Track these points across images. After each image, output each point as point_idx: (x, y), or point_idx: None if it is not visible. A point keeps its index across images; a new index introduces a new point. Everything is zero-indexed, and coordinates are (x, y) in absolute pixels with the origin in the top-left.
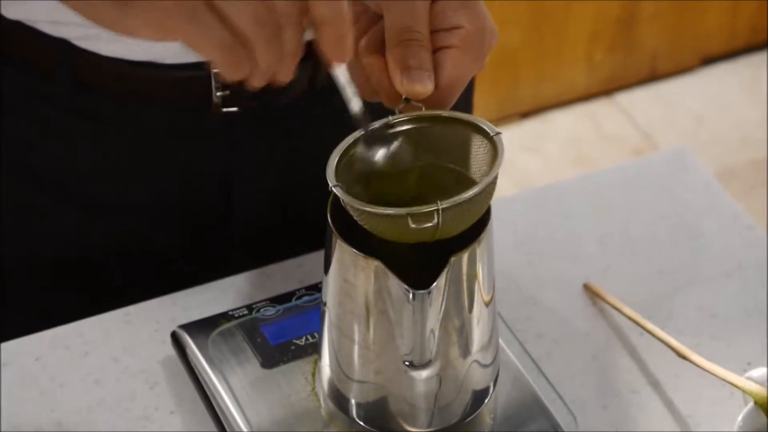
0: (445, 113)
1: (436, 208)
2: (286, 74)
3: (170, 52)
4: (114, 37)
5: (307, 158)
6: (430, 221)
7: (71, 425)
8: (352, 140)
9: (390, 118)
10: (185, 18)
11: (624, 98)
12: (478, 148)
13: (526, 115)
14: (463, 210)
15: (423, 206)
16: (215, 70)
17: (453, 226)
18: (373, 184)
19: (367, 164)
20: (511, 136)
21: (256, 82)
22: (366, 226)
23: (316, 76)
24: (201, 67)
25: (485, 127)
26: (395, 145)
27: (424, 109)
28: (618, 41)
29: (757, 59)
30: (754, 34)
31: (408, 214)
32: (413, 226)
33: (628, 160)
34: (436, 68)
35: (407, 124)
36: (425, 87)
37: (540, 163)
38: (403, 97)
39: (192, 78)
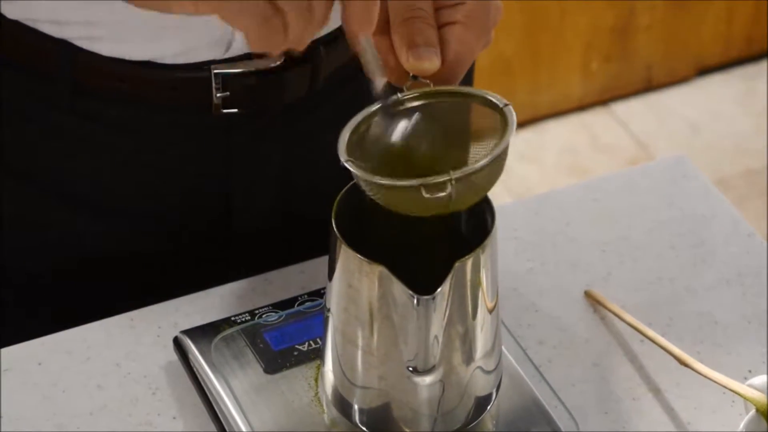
0: (453, 88)
1: (449, 178)
2: (305, 43)
3: (170, 52)
4: (115, 37)
5: (306, 162)
6: (443, 191)
7: (73, 430)
8: (362, 117)
9: (398, 95)
10: None
11: (619, 108)
12: (488, 121)
13: (521, 124)
14: (475, 180)
15: (436, 176)
16: (216, 71)
17: (466, 198)
18: (382, 162)
19: (380, 141)
20: None
21: (278, 52)
22: (379, 201)
23: (315, 77)
24: (201, 68)
25: (494, 99)
26: (410, 121)
27: (432, 85)
28: (613, 51)
29: (752, 69)
30: (749, 44)
31: (421, 185)
32: (426, 196)
33: (623, 169)
34: (442, 44)
35: (415, 101)
36: (432, 63)
37: (536, 172)
38: (411, 74)
39: (192, 79)
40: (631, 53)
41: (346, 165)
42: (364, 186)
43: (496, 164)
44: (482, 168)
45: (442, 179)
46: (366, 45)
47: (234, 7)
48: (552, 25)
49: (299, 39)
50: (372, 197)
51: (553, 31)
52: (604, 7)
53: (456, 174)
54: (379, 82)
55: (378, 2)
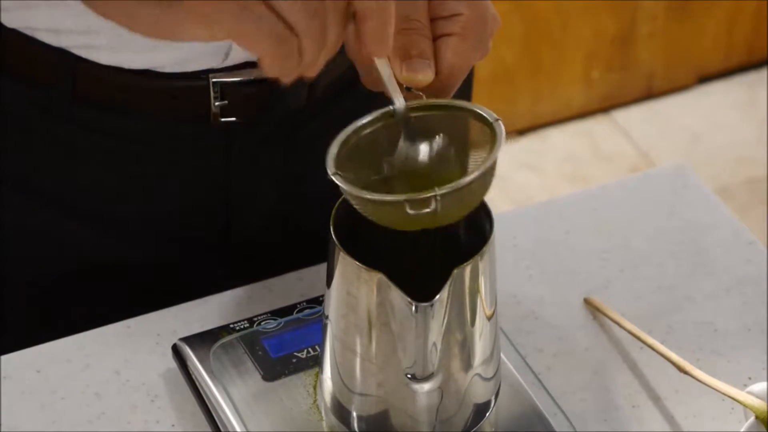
0: (444, 101)
1: (433, 194)
2: (317, 69)
3: (169, 60)
4: (113, 46)
5: (305, 171)
6: (428, 207)
7: None
8: (351, 130)
9: (391, 107)
10: (235, 10)
11: (621, 116)
12: (478, 135)
13: (523, 132)
14: (461, 195)
15: (420, 192)
16: (214, 80)
17: (452, 212)
18: (373, 174)
19: (370, 153)
20: (508, 153)
21: (291, 78)
22: (365, 215)
23: (314, 86)
24: (200, 77)
25: (484, 114)
26: (401, 134)
27: (425, 97)
28: (615, 59)
29: (754, 78)
30: (750, 52)
31: (405, 201)
32: (411, 212)
33: (624, 177)
34: (437, 56)
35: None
36: (425, 76)
37: (537, 180)
38: (405, 86)
39: (191, 88)
40: (632, 62)
41: (333, 178)
42: (350, 200)
43: (483, 179)
44: (468, 183)
45: (426, 195)
46: (382, 67)
47: (249, 30)
48: (553, 34)
49: (313, 64)
50: (360, 211)
51: (554, 39)
52: (606, 16)
53: (441, 190)
54: (399, 101)
55: (393, 23)
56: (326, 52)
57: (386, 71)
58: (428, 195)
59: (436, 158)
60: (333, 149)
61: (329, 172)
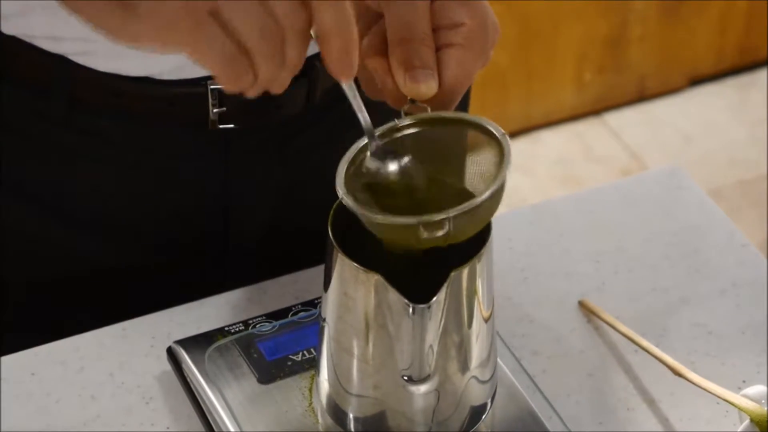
0: (450, 114)
1: (446, 216)
2: (281, 86)
3: (167, 67)
4: (112, 53)
5: (303, 177)
6: (442, 229)
7: None
8: (358, 149)
9: (396, 121)
10: (189, 26)
11: (612, 118)
12: (484, 149)
13: (514, 134)
14: (473, 215)
15: (434, 215)
16: (212, 87)
17: (464, 232)
18: (379, 191)
19: (377, 170)
20: None
21: (252, 94)
22: (377, 235)
23: (312, 93)
24: (198, 84)
25: (491, 128)
26: (403, 158)
27: (429, 109)
28: (606, 62)
29: (745, 80)
30: (741, 55)
31: (419, 223)
32: (425, 234)
33: (616, 179)
34: (440, 67)
35: (412, 128)
36: (429, 87)
37: (529, 182)
38: (408, 97)
39: (189, 94)
40: (624, 64)
41: (344, 200)
42: (362, 220)
43: (495, 197)
44: (480, 204)
45: (440, 217)
46: (348, 90)
47: (201, 47)
48: (545, 36)
49: (272, 81)
50: (371, 231)
51: (546, 42)
52: (597, 18)
53: (454, 212)
54: (363, 121)
55: (356, 44)
56: (288, 70)
57: (350, 91)
58: (442, 217)
59: (443, 171)
60: (341, 169)
61: (339, 193)
